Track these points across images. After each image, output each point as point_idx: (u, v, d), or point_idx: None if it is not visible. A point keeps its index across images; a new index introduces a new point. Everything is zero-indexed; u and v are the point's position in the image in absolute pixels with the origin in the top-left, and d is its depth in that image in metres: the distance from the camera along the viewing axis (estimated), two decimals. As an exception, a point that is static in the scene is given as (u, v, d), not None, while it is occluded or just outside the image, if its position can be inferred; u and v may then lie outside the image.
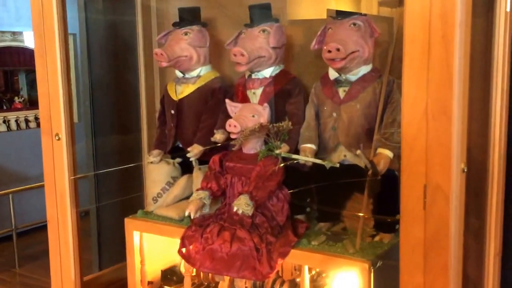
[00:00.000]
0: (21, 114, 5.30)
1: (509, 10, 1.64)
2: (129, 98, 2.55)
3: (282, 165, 1.81)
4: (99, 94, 2.50)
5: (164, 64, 2.02)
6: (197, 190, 1.93)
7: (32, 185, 4.79)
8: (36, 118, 5.36)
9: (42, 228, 4.97)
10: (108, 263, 2.62)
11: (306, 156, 1.82)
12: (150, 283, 2.20)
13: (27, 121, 5.30)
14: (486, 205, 1.71)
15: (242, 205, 1.73)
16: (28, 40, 5.39)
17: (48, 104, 2.03)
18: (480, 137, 1.69)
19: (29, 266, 4.34)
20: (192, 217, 1.88)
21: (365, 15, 1.82)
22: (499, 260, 1.77)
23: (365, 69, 1.81)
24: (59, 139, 2.01)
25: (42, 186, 4.68)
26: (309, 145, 1.85)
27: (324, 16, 2.04)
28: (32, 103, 5.60)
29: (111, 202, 2.58)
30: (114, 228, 2.65)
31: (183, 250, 1.89)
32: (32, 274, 4.19)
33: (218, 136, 1.99)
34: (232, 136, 1.83)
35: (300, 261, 1.80)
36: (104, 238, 2.71)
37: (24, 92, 5.68)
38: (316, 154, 1.86)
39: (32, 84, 5.65)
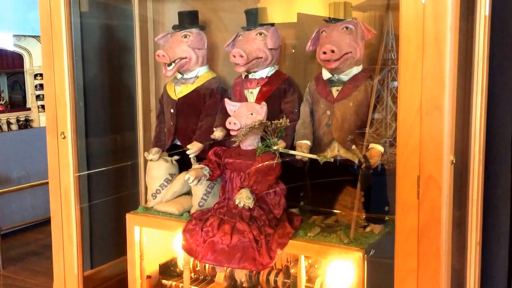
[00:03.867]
0: (3, 117, 5.25)
1: (488, 14, 1.74)
2: (123, 98, 2.60)
3: (279, 160, 1.89)
4: (93, 94, 2.53)
5: (169, 73, 2.08)
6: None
7: (15, 187, 4.75)
8: (18, 121, 5.32)
9: (24, 231, 4.94)
10: (99, 261, 2.64)
11: (302, 152, 1.90)
12: (148, 277, 2.25)
13: (9, 123, 5.25)
14: (467, 197, 1.81)
15: (243, 198, 1.80)
16: (4, 41, 5.30)
17: (54, 103, 2.07)
18: (461, 132, 1.77)
19: (13, 267, 4.29)
20: (191, 183, 1.97)
21: (355, 19, 1.91)
22: (480, 249, 1.86)
23: (356, 70, 1.90)
24: (64, 137, 2.06)
25: (25, 188, 4.67)
26: (304, 141, 1.93)
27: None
28: (13, 105, 5.55)
29: (104, 200, 2.61)
30: (105, 226, 2.68)
31: (185, 243, 1.95)
32: (17, 275, 4.15)
33: (217, 134, 2.06)
34: (232, 133, 1.91)
35: (298, 251, 1.87)
36: (95, 236, 2.73)
37: (5, 95, 5.64)
38: (311, 150, 1.94)
39: (13, 87, 5.61)
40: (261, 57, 1.99)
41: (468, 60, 1.77)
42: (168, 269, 2.33)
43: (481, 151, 1.80)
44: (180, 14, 2.18)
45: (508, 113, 1.92)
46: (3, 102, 5.48)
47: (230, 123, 1.89)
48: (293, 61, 2.22)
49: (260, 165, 1.87)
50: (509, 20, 1.88)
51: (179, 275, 2.28)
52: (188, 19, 2.16)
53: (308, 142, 1.93)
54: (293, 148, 1.95)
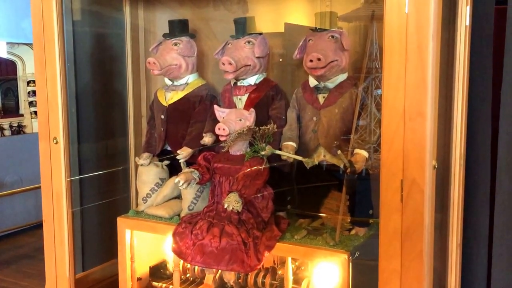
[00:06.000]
0: (-4, 123, 5.23)
1: (468, 24, 1.76)
2: (115, 104, 2.58)
3: (267, 165, 1.89)
4: (86, 101, 2.51)
5: (156, 72, 2.08)
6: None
7: (8, 191, 4.72)
8: (11, 126, 5.28)
9: (16, 234, 4.91)
10: (91, 263, 2.62)
11: (288, 152, 1.89)
12: (139, 279, 2.23)
13: (2, 129, 5.22)
14: (449, 200, 1.82)
15: (232, 202, 1.79)
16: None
17: (46, 109, 2.05)
18: (443, 138, 1.78)
19: (6, 270, 4.26)
20: (181, 186, 1.96)
21: (341, 28, 1.92)
22: (460, 250, 1.87)
23: (342, 77, 1.91)
24: (56, 142, 2.04)
25: (17, 192, 4.64)
26: (290, 143, 1.93)
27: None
28: (7, 111, 5.52)
29: (96, 204, 2.59)
30: (96, 229, 2.67)
31: (174, 246, 1.94)
32: (9, 278, 4.11)
33: (207, 139, 2.06)
34: (221, 139, 1.90)
35: (285, 253, 1.87)
36: (87, 239, 2.72)
37: (-2, 101, 5.62)
38: (297, 154, 1.94)
39: (6, 93, 5.57)
40: (250, 65, 1.99)
41: (449, 68, 1.78)
42: (158, 271, 2.31)
43: (462, 156, 1.80)
44: (171, 22, 2.18)
45: (488, 119, 1.93)
46: (-4, 109, 5.46)
47: (219, 129, 1.88)
48: (280, 68, 2.22)
49: (248, 170, 1.87)
50: (488, 30, 1.90)
51: (169, 277, 2.26)
52: (178, 28, 2.16)
53: (294, 144, 1.93)
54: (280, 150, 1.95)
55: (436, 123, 1.50)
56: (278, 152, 1.88)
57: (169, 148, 2.23)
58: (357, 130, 1.85)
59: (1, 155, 4.81)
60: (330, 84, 1.90)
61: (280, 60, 2.22)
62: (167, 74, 2.13)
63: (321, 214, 1.98)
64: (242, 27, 2.05)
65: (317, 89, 1.92)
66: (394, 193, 1.51)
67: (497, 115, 1.88)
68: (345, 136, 1.88)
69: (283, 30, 2.20)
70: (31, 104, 5.47)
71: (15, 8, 4.79)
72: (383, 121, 1.51)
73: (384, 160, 1.52)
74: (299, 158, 1.87)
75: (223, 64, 1.95)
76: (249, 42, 2.00)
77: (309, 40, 1.90)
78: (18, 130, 5.38)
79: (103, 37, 2.58)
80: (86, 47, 2.49)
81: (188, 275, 2.24)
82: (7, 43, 5.20)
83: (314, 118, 1.92)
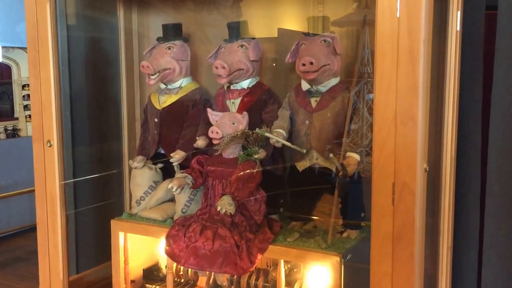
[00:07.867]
0: (-10, 126, 5.21)
1: (459, 29, 1.76)
2: (109, 108, 2.57)
3: (260, 168, 1.88)
4: (80, 104, 2.50)
5: (152, 82, 2.07)
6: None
7: (2, 194, 4.70)
8: (6, 130, 5.26)
9: (11, 237, 4.89)
10: (85, 266, 2.60)
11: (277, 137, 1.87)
12: (132, 281, 2.22)
13: (-4, 132, 5.21)
14: (439, 203, 1.82)
15: (225, 205, 1.78)
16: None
17: (40, 112, 2.04)
18: (434, 141, 1.78)
19: (0, 273, 4.23)
20: (174, 192, 1.95)
21: (333, 33, 1.91)
22: (451, 253, 1.87)
23: (334, 81, 1.90)
24: (50, 145, 2.02)
25: (12, 195, 4.62)
26: (280, 130, 1.90)
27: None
28: (1, 115, 5.50)
29: (90, 207, 2.57)
30: (90, 232, 2.65)
31: (168, 248, 1.93)
32: (4, 280, 4.08)
33: (200, 142, 2.04)
34: (214, 142, 1.89)
35: (277, 256, 1.86)
36: (81, 241, 2.70)
37: (-9, 105, 5.60)
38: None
39: (1, 97, 5.56)
40: (243, 69, 1.98)
41: (440, 72, 1.78)
42: (151, 274, 2.30)
43: (452, 159, 1.80)
44: (164, 26, 2.17)
45: (478, 123, 1.94)
46: (-10, 112, 5.45)
47: (212, 132, 1.88)
48: (273, 73, 2.21)
49: (241, 173, 1.86)
50: (479, 35, 1.90)
51: (163, 280, 2.25)
52: (172, 32, 2.15)
53: (284, 133, 1.90)
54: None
55: (427, 127, 1.50)
56: (268, 134, 1.85)
57: (162, 151, 2.22)
58: (349, 133, 1.84)
59: (-4, 159, 4.80)
60: (323, 88, 1.90)
61: (274, 64, 2.21)
62: (161, 78, 2.12)
63: (313, 217, 1.97)
64: (236, 31, 2.04)
65: (309, 92, 1.91)
66: (385, 196, 1.50)
67: (487, 119, 1.88)
68: (337, 139, 1.87)
69: (276, 35, 2.20)
70: (26, 107, 5.46)
71: (10, 12, 4.78)
72: (375, 125, 1.50)
73: (376, 164, 1.51)
74: (289, 144, 1.85)
75: (216, 68, 1.94)
76: (242, 46, 2.00)
77: (301, 44, 1.90)
78: (13, 133, 5.36)
79: (97, 41, 2.57)
80: (80, 51, 2.48)
81: (181, 275, 2.23)
82: (2, 47, 5.20)
83: (307, 122, 1.91)
